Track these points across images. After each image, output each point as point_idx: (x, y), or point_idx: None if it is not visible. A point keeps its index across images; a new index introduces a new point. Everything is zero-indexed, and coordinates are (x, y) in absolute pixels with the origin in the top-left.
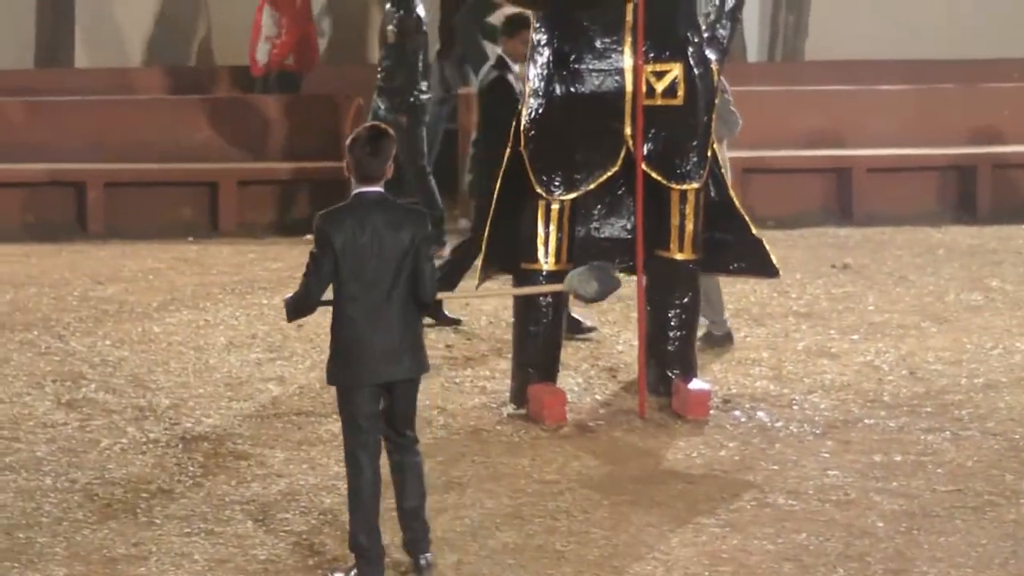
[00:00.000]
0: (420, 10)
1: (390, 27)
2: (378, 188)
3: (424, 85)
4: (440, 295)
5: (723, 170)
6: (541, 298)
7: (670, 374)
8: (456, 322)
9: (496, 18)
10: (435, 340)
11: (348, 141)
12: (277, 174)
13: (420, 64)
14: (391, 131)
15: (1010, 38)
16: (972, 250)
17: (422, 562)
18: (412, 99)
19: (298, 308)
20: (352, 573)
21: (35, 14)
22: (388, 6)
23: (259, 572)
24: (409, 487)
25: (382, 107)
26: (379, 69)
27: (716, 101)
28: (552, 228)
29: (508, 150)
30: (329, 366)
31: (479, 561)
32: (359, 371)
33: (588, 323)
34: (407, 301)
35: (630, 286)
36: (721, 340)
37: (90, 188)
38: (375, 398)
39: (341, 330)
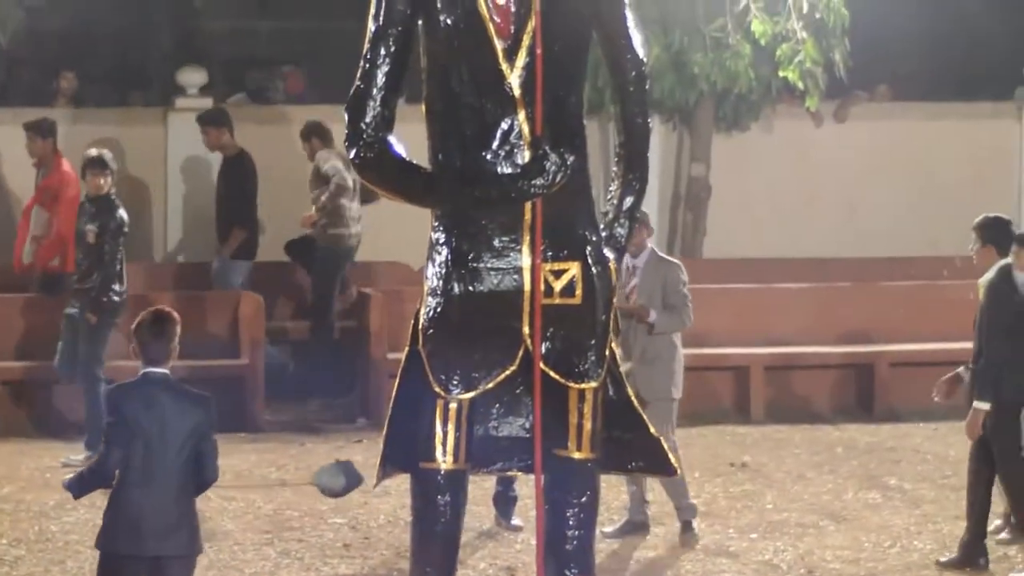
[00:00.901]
0: (122, 212)
1: (90, 227)
2: (164, 369)
3: (119, 287)
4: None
5: (676, 365)
6: (439, 497)
7: (568, 573)
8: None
9: None
10: (333, 539)
11: (134, 324)
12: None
13: (118, 266)
14: (175, 315)
15: (907, 238)
16: (870, 448)
17: None
18: (105, 299)
19: (94, 473)
20: None
21: None
22: (88, 205)
23: None
24: None
25: (76, 307)
26: (76, 269)
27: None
28: (450, 427)
29: (406, 349)
30: (100, 531)
31: None
32: (128, 540)
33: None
34: (186, 481)
35: (529, 485)
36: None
37: None
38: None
39: (118, 499)
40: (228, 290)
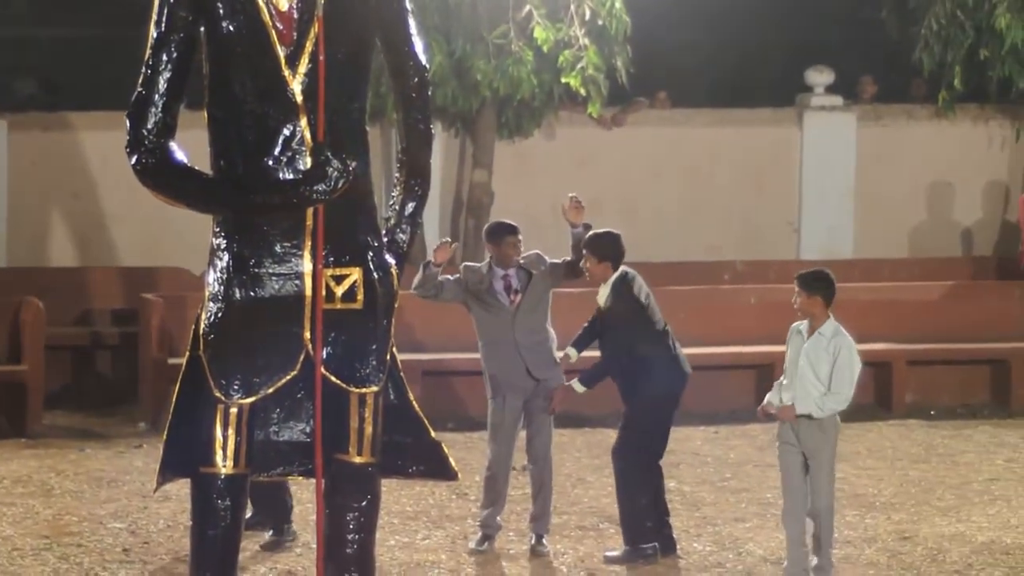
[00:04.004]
0: None
1: None
2: None
3: None
4: None
5: None
6: (219, 501)
7: None
8: None
9: None
10: (112, 544)
11: None
12: None
13: None
14: None
15: (688, 243)
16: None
17: None
18: None
19: None
20: None
21: None
22: None
23: None
24: None
25: None
26: None
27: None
28: (230, 431)
29: (187, 354)
30: None
31: None
32: None
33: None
34: None
35: (309, 489)
36: None
37: None
38: None
39: None
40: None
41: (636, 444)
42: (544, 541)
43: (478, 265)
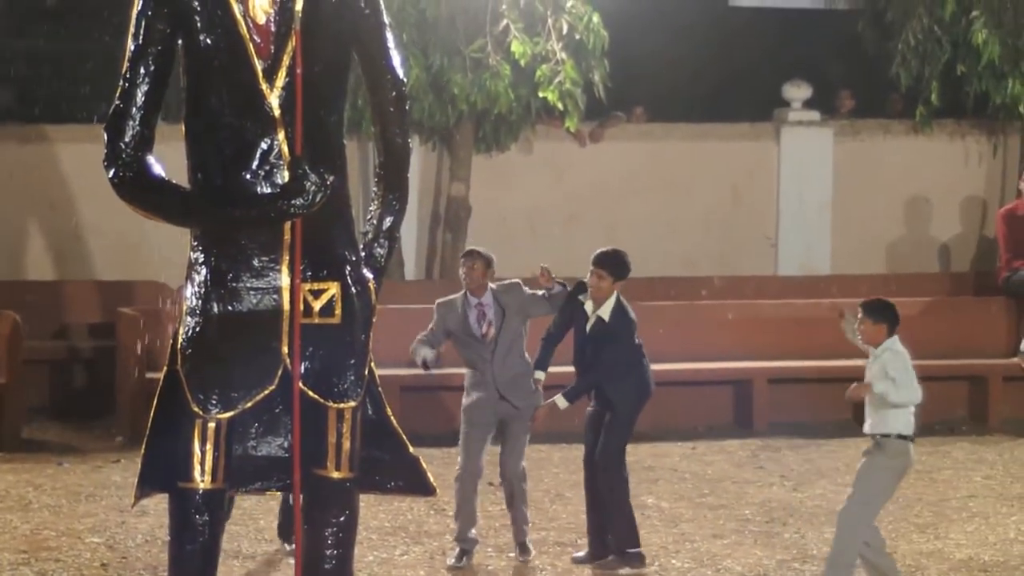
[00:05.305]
0: None
1: None
2: None
3: None
4: None
5: None
6: (198, 516)
7: None
8: None
9: None
10: (90, 559)
11: None
12: None
13: None
14: None
15: (666, 258)
16: (628, 467)
17: None
18: None
19: None
20: None
21: None
22: None
23: None
24: None
25: None
26: None
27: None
28: (208, 446)
29: (165, 368)
30: None
31: None
32: None
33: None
34: None
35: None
36: None
37: None
38: None
39: None
40: None
41: (620, 452)
42: (528, 544)
43: (452, 297)
